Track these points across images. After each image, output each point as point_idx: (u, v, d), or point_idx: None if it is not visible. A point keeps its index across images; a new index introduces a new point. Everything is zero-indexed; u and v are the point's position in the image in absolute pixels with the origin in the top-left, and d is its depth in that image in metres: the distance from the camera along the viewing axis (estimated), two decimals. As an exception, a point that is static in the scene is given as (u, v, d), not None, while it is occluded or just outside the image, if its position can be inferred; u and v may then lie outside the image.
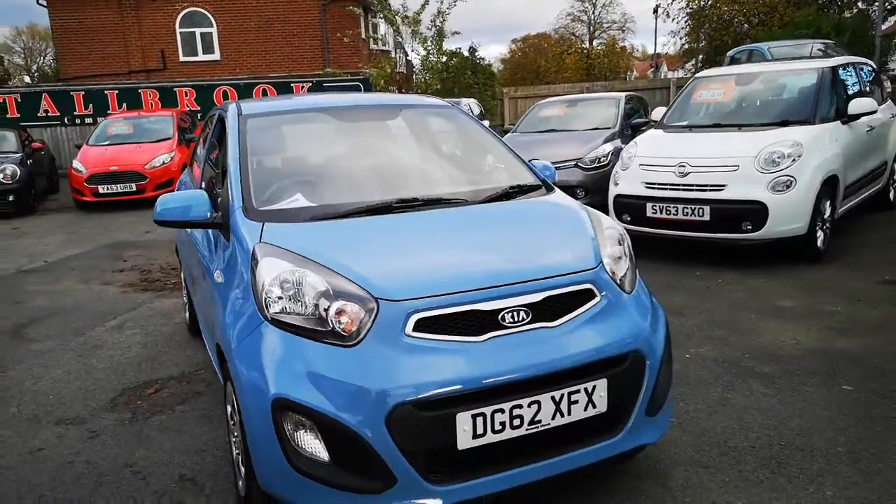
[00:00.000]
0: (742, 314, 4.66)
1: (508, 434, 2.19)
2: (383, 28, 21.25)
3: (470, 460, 2.19)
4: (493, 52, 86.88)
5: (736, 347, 4.06)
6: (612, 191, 6.47)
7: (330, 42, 19.75)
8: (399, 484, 2.09)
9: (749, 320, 4.54)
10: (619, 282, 2.58)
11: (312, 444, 2.12)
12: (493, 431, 2.16)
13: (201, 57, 20.29)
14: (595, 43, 45.93)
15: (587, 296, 2.43)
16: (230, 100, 14.72)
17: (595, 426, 2.36)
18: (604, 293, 2.47)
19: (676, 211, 5.89)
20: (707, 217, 5.73)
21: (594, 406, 2.31)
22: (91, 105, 15.16)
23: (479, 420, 2.13)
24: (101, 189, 10.96)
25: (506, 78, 46.55)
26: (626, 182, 6.36)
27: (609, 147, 8.28)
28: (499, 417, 2.16)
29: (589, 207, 3.02)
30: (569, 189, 8.03)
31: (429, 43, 14.98)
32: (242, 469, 2.49)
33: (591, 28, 46.39)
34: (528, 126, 9.50)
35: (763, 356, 3.90)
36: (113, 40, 20.04)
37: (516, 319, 2.27)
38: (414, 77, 15.43)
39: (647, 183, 6.12)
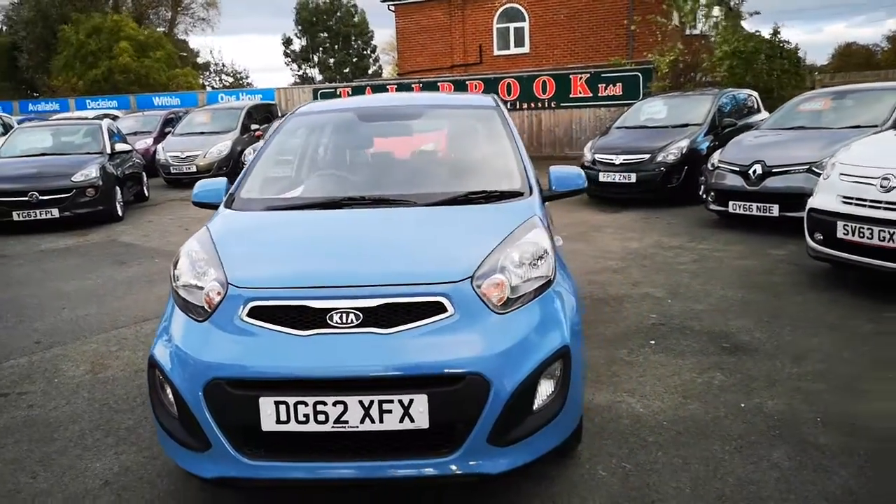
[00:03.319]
0: (882, 372, 3.66)
1: (314, 427, 2.30)
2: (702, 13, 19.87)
3: (289, 444, 2.36)
4: (883, 29, 73.40)
5: (817, 408, 3.27)
6: (809, 203, 5.42)
7: (637, 29, 19.21)
8: (213, 449, 2.38)
9: (881, 380, 3.56)
10: (494, 300, 2.43)
11: (170, 400, 2.52)
12: (298, 421, 2.29)
13: (512, 50, 21.52)
14: None
15: (438, 308, 2.37)
16: (513, 92, 15.54)
17: (418, 441, 2.32)
18: (459, 309, 2.37)
19: (871, 234, 4.73)
20: (909, 245, 4.50)
21: (412, 420, 2.27)
22: (403, 97, 17.40)
23: (282, 407, 2.29)
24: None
25: (891, 60, 39.23)
26: (822, 194, 5.27)
27: (860, 149, 6.80)
28: (302, 409, 2.29)
29: (535, 218, 2.82)
30: (797, 198, 6.90)
31: (720, 27, 13.64)
32: None
33: None
34: (777, 122, 8.25)
35: (843, 426, 3.09)
36: (441, 38, 22.44)
37: (344, 321, 2.35)
38: (701, 63, 14.16)
39: (843, 197, 5.00)
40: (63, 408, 3.66)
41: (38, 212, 9.35)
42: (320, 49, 42.67)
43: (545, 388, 2.44)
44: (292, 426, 2.30)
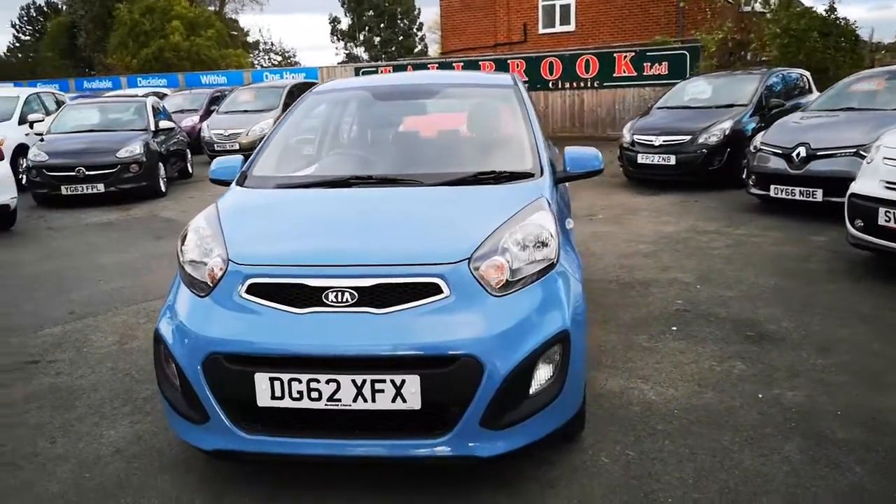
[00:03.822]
0: (913, 365, 3.50)
1: (308, 404, 2.31)
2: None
3: (284, 420, 2.38)
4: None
5: (839, 401, 3.15)
6: (850, 188, 5.18)
7: (686, 6, 18.60)
8: (211, 422, 2.42)
9: (911, 374, 3.40)
10: (492, 283, 2.39)
11: (173, 373, 2.57)
12: (292, 398, 2.31)
13: (558, 28, 21.08)
14: None
15: (433, 290, 2.35)
16: (555, 71, 15.27)
17: (411, 422, 2.32)
18: (455, 291, 2.35)
19: (914, 221, 4.50)
20: (954, 233, 4.27)
21: (404, 401, 2.27)
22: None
23: (277, 384, 2.31)
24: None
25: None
26: (865, 178, 5.04)
27: (914, 132, 6.46)
28: (296, 386, 2.30)
29: (541, 200, 2.76)
30: (842, 183, 6.62)
31: (773, 4, 13.06)
32: None
33: None
34: (825, 103, 7.89)
35: (864, 420, 2.96)
36: (485, 16, 22.14)
37: (339, 300, 2.35)
38: (751, 42, 13.59)
39: (886, 182, 4.77)
40: (88, 376, 3.78)
41: (84, 186, 9.66)
42: (366, 28, 42.70)
43: (543, 373, 2.40)
44: (287, 402, 2.32)
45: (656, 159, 9.09)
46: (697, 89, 10.30)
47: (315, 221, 2.78)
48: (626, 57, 14.77)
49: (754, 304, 4.52)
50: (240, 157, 3.53)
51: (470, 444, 2.32)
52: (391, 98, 3.76)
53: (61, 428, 3.18)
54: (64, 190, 9.67)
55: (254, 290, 2.43)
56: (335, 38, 44.75)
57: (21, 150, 11.28)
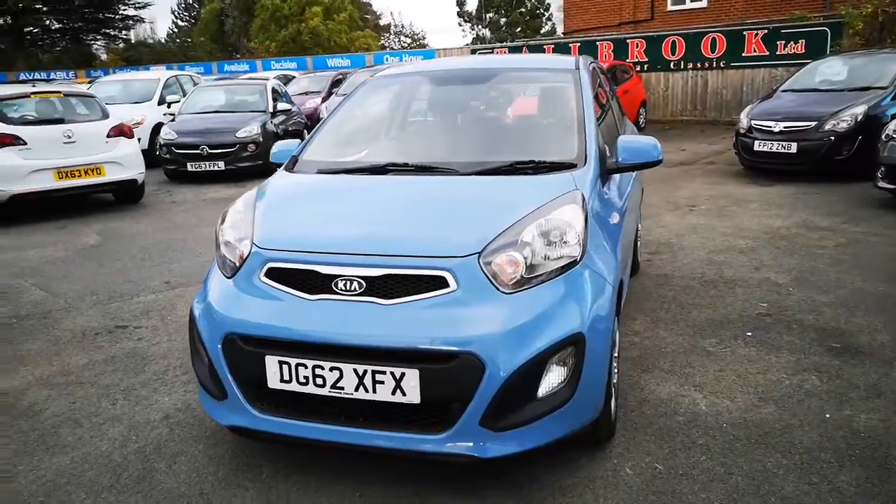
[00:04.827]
0: None
1: (313, 389, 2.36)
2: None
3: (292, 403, 2.43)
4: None
5: (921, 429, 2.77)
6: None
7: (836, -21, 16.92)
8: (229, 399, 2.52)
9: None
10: (504, 279, 2.31)
11: (202, 350, 2.69)
12: (299, 382, 2.36)
13: (688, 5, 19.85)
14: None
15: (440, 283, 2.30)
16: (678, 50, 14.45)
17: (411, 415, 2.30)
18: (462, 285, 2.29)
19: None
20: None
21: (404, 394, 2.25)
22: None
23: (285, 367, 2.37)
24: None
25: None
26: None
27: None
28: (302, 371, 2.35)
29: (574, 193, 2.61)
30: None
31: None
32: None
33: None
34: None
35: (945, 453, 2.60)
36: (610, -6, 21.31)
37: (348, 288, 2.36)
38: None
39: None
40: (163, 343, 4.06)
41: (207, 164, 10.38)
42: (494, 9, 42.44)
43: (554, 375, 2.30)
44: (294, 386, 2.37)
45: (775, 146, 8.38)
46: (831, 70, 9.35)
47: (339, 209, 2.79)
48: (756, 35, 13.67)
49: (850, 311, 4.07)
50: (296, 141, 3.62)
51: (469, 444, 2.26)
52: (447, 83, 3.70)
53: (125, 391, 3.44)
54: (190, 167, 10.43)
55: (272, 274, 2.49)
56: (462, 19, 44.89)
57: (159, 128, 12.26)
